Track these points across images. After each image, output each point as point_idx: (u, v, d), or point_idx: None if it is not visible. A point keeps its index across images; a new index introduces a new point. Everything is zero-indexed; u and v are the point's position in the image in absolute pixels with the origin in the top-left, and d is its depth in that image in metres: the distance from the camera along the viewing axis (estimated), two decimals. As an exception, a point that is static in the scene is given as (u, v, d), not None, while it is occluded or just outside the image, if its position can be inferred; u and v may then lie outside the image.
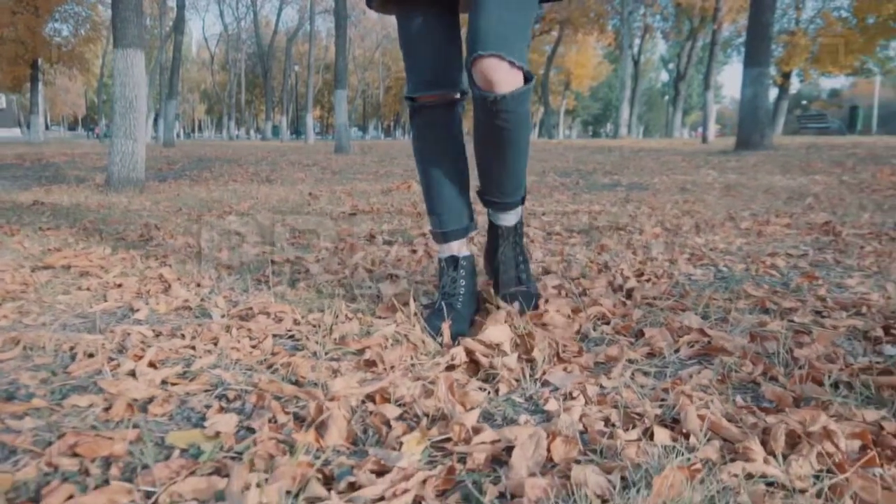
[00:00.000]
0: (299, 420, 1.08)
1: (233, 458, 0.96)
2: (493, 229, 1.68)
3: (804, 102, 55.07)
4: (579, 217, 3.72)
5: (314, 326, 1.56)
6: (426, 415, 1.07)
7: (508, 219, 1.65)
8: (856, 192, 4.95)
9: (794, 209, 3.96)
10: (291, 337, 1.53)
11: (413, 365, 1.31)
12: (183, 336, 1.51)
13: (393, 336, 1.45)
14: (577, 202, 4.54)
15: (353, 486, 0.87)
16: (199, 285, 2.04)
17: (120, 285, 2.02)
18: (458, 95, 1.59)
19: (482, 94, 1.35)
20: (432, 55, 1.52)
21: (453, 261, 1.62)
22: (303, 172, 8.16)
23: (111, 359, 1.36)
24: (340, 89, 14.65)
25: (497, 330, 1.37)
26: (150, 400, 1.17)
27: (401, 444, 0.98)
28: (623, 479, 0.87)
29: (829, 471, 0.87)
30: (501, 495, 0.85)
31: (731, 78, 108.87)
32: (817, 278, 2.09)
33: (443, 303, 1.54)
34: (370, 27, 50.54)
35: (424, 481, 0.88)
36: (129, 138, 5.82)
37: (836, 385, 1.19)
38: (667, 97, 56.92)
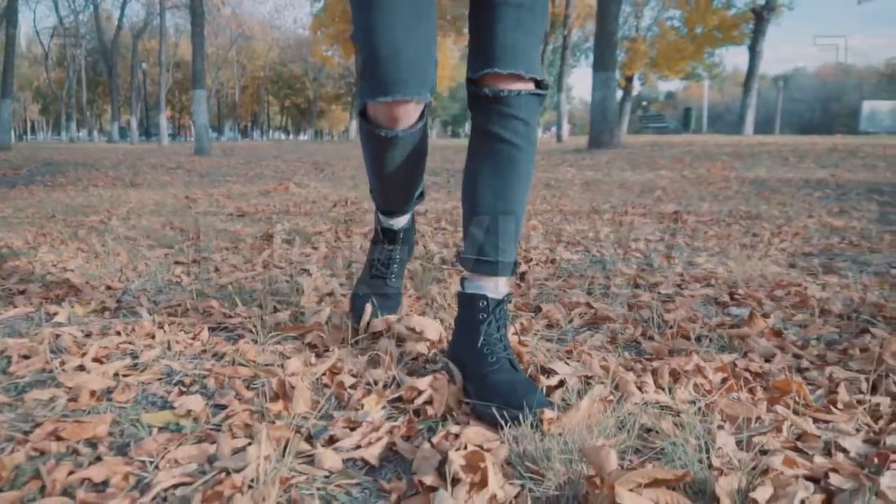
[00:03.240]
0: (263, 396, 1.21)
1: (212, 430, 1.07)
2: (474, 309, 1.23)
3: (644, 104, 59.49)
4: (459, 213, 3.96)
5: (246, 318, 1.66)
6: (377, 382, 1.23)
7: (495, 285, 1.24)
8: (695, 185, 5.59)
9: (646, 201, 4.45)
10: (226, 329, 1.63)
11: (352, 344, 1.46)
12: (118, 333, 1.56)
13: (327, 320, 1.59)
14: (454, 199, 4.80)
15: (332, 440, 1.03)
16: (109, 287, 2.05)
17: (23, 291, 1.99)
18: (426, 101, 1.22)
19: (493, 90, 1.15)
20: (402, 38, 1.12)
21: (391, 233, 1.60)
22: (168, 175, 7.89)
23: (52, 358, 1.40)
24: (199, 89, 14.14)
25: (424, 319, 1.51)
26: (110, 390, 1.25)
27: (362, 405, 1.15)
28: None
29: (702, 395, 1.14)
30: (456, 436, 1.04)
31: (579, 80, 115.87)
32: (674, 258, 2.45)
33: (372, 296, 1.58)
34: (224, 24, 48.66)
35: (391, 430, 1.05)
36: (-24, 141, 5.41)
37: (699, 338, 1.49)
38: (522, 98, 59.09)
